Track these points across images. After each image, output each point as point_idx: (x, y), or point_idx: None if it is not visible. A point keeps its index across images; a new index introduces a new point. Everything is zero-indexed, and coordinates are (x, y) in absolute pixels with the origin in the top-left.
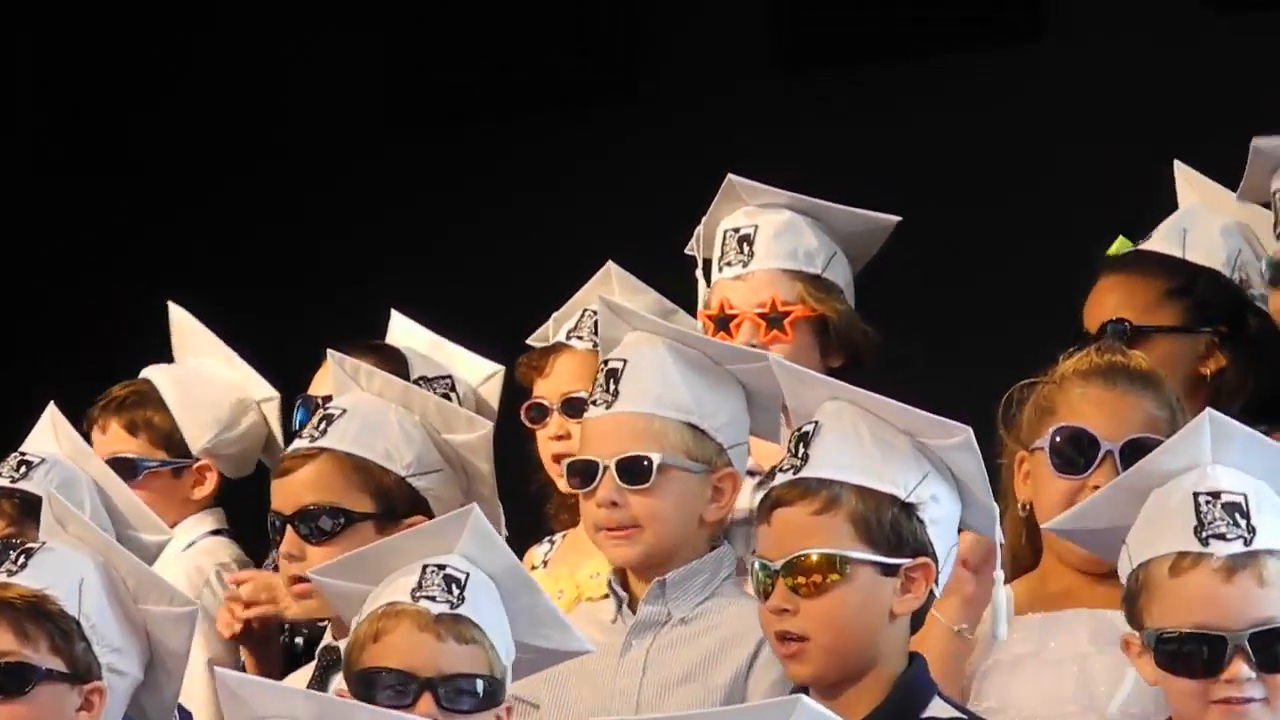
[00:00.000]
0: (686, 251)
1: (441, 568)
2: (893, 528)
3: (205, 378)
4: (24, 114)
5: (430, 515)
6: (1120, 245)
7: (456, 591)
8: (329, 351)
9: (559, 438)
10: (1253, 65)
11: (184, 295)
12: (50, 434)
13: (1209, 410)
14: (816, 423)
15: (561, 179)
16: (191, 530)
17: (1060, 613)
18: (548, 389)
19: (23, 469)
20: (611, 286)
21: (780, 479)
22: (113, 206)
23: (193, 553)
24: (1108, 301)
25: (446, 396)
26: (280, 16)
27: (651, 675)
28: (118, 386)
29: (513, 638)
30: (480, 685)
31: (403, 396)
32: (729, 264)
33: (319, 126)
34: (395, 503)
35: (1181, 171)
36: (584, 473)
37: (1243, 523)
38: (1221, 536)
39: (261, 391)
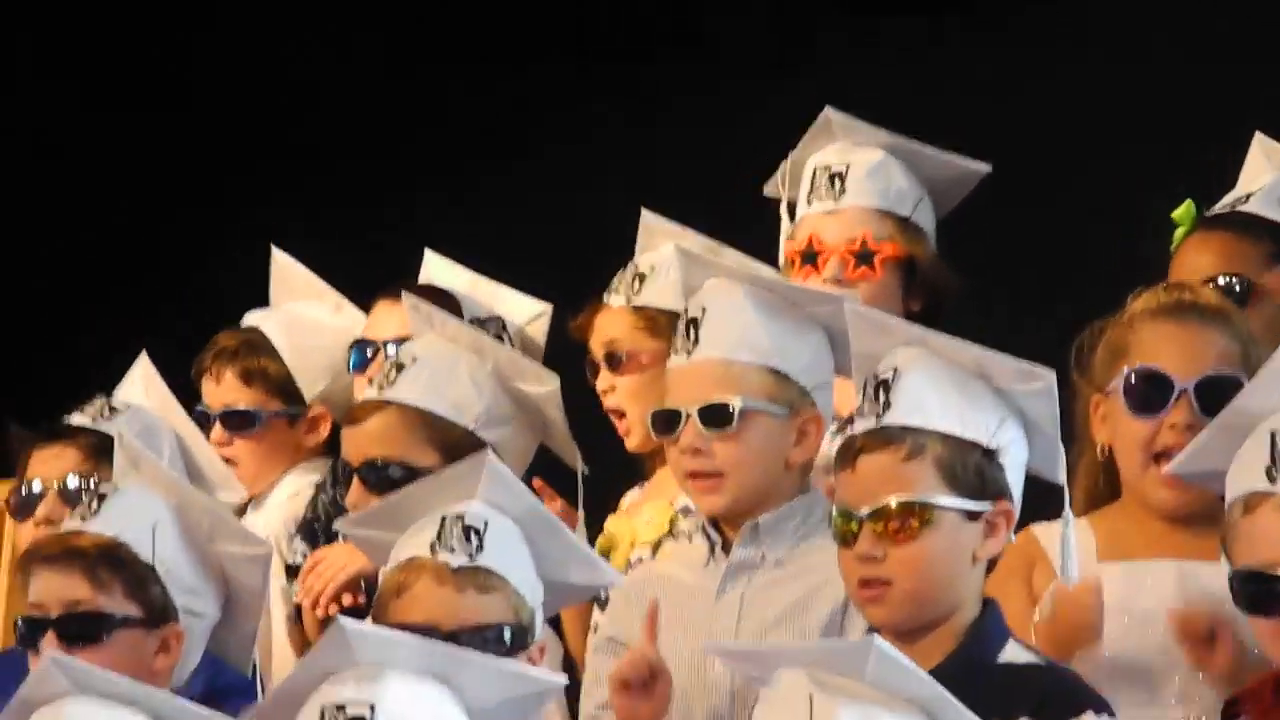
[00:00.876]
0: (766, 190)
1: (460, 518)
2: (976, 473)
3: (313, 324)
4: (105, 56)
5: None
6: (1187, 209)
7: (475, 542)
8: (403, 294)
9: (605, 392)
10: None
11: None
12: (140, 385)
13: None
14: (895, 369)
15: (631, 130)
16: (297, 480)
17: (1145, 563)
18: (594, 346)
19: (106, 412)
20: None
21: (862, 426)
22: (207, 150)
23: (295, 503)
24: (1208, 258)
25: (499, 338)
26: None
27: (748, 617)
28: (224, 334)
29: (541, 576)
30: (507, 633)
31: (475, 344)
32: (819, 199)
33: (348, 62)
34: (462, 456)
35: (1261, 143)
36: (668, 422)
37: None
38: None
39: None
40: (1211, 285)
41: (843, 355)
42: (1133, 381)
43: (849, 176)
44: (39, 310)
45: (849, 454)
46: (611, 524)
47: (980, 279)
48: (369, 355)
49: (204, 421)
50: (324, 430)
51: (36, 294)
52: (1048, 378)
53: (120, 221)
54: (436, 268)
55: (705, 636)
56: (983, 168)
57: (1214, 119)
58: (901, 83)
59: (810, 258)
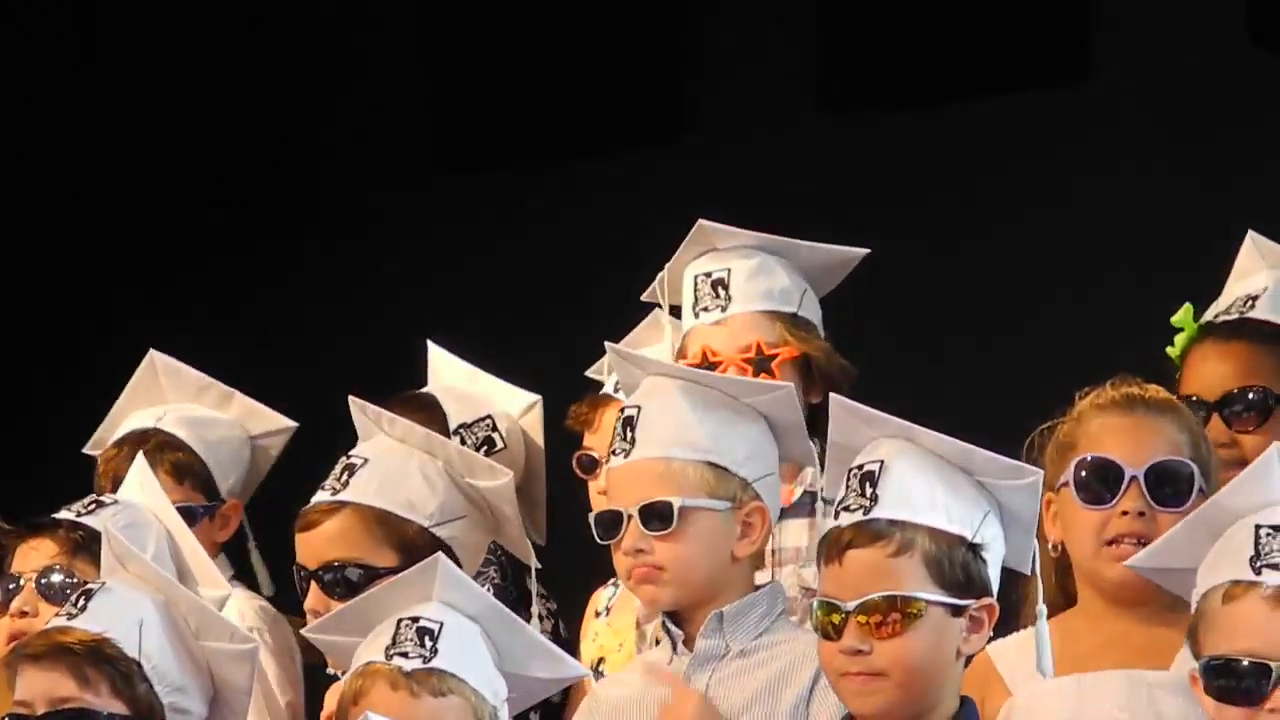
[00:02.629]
0: (644, 298)
1: (416, 620)
2: (963, 569)
3: (209, 419)
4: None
5: (456, 562)
6: (1186, 314)
7: (429, 644)
8: (350, 399)
9: (604, 492)
10: None
11: (215, 337)
12: (136, 481)
13: (1276, 444)
14: (881, 461)
15: (612, 221)
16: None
17: (1094, 675)
18: (596, 442)
19: (92, 506)
20: (662, 331)
21: (848, 519)
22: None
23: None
24: (1224, 368)
25: (489, 438)
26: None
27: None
28: (131, 434)
29: (507, 670)
30: None
31: (425, 443)
32: (705, 309)
33: (356, 162)
34: (419, 554)
35: (1255, 241)
36: (609, 524)
37: None
38: (1276, 566)
39: (263, 425)
40: (1235, 395)
41: (790, 442)
42: (1083, 472)
43: (731, 282)
44: None
45: (836, 547)
46: (602, 632)
47: (943, 377)
48: None
49: None
50: (234, 524)
51: None
52: (1036, 474)
53: None
54: (437, 358)
55: None
56: (859, 252)
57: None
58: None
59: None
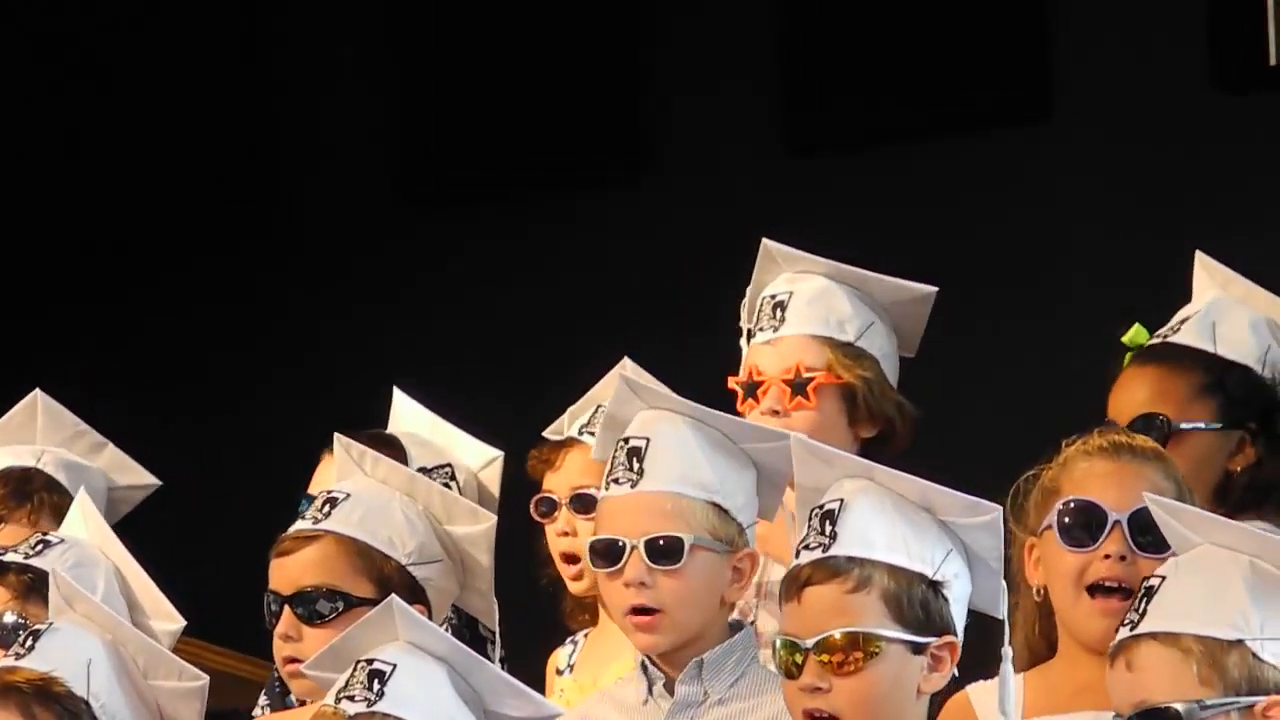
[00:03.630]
0: (741, 325)
1: (370, 662)
2: (922, 606)
3: (82, 465)
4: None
5: (428, 605)
6: (1136, 333)
7: (377, 688)
8: (336, 436)
9: (565, 534)
10: (1265, 148)
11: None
12: (79, 518)
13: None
14: (841, 500)
15: (572, 263)
16: None
17: (1068, 716)
18: (557, 483)
19: (39, 547)
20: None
21: (807, 557)
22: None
23: None
24: (1139, 394)
25: (446, 485)
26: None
27: None
28: (12, 469)
29: (489, 710)
30: None
31: (408, 485)
32: (762, 329)
33: (321, 205)
34: (394, 590)
35: (1203, 263)
36: (609, 553)
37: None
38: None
39: (129, 478)
40: (1138, 421)
41: (766, 494)
42: (1066, 516)
43: (790, 305)
44: None
45: (795, 584)
46: (568, 688)
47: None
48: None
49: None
50: None
51: None
52: (994, 511)
53: None
54: (401, 406)
55: None
56: (926, 289)
57: (1148, 240)
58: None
59: (751, 389)
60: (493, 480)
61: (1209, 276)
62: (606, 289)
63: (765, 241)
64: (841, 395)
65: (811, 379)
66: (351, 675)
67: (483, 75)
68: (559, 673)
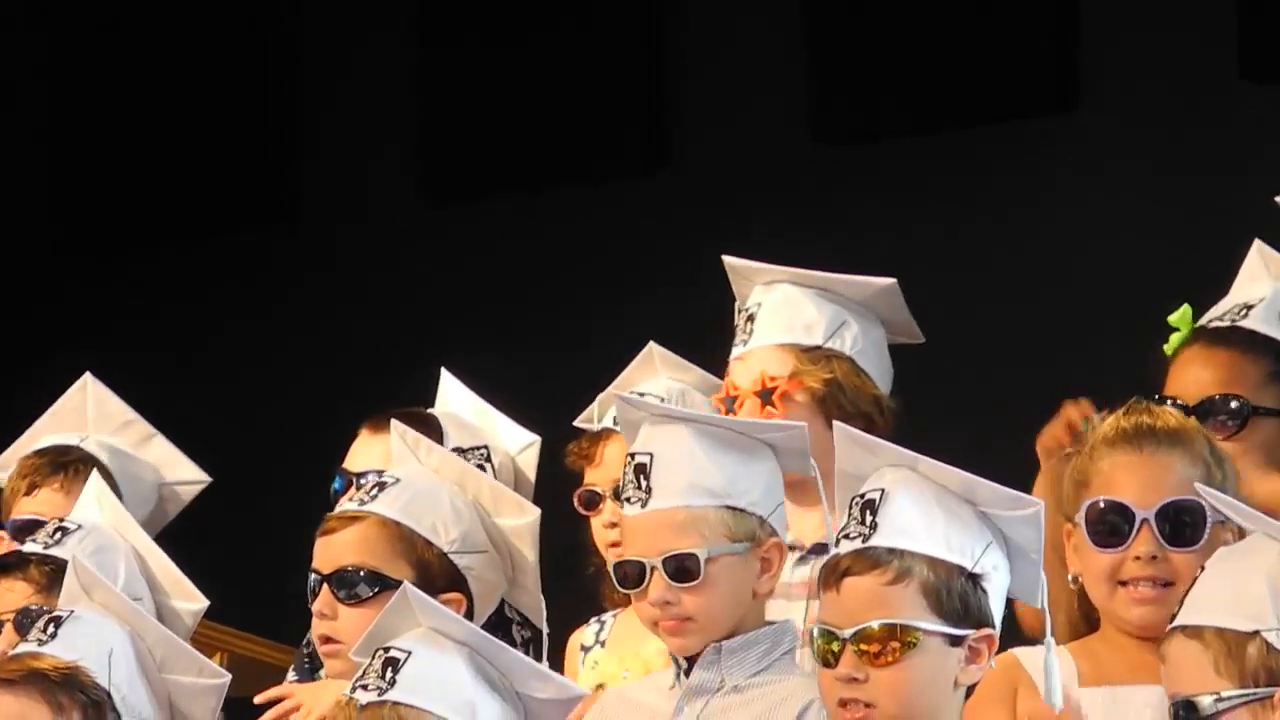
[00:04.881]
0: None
1: (387, 650)
2: (961, 599)
3: (129, 454)
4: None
5: (469, 594)
6: (1184, 315)
7: (390, 676)
8: (392, 422)
9: (612, 524)
10: None
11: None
12: (94, 502)
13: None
14: (882, 490)
15: (600, 256)
16: None
17: (1127, 688)
18: (599, 477)
19: (58, 535)
20: (655, 366)
21: (847, 547)
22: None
23: None
24: (1209, 374)
25: (481, 467)
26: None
27: None
28: (52, 447)
29: (521, 694)
30: None
31: (460, 475)
32: (736, 344)
33: (337, 196)
34: (434, 577)
35: (1261, 251)
36: (633, 575)
37: None
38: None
39: (177, 473)
40: (1215, 402)
41: (790, 460)
42: (1094, 515)
43: (758, 318)
44: None
45: (834, 574)
46: (603, 660)
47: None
48: (347, 484)
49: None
50: None
51: None
52: (1037, 506)
53: None
54: (448, 387)
55: None
56: (887, 282)
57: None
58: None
59: (730, 405)
60: (530, 465)
61: (1264, 265)
62: (635, 281)
63: (725, 258)
64: (812, 399)
65: (775, 388)
66: (370, 663)
67: (506, 66)
68: (584, 649)
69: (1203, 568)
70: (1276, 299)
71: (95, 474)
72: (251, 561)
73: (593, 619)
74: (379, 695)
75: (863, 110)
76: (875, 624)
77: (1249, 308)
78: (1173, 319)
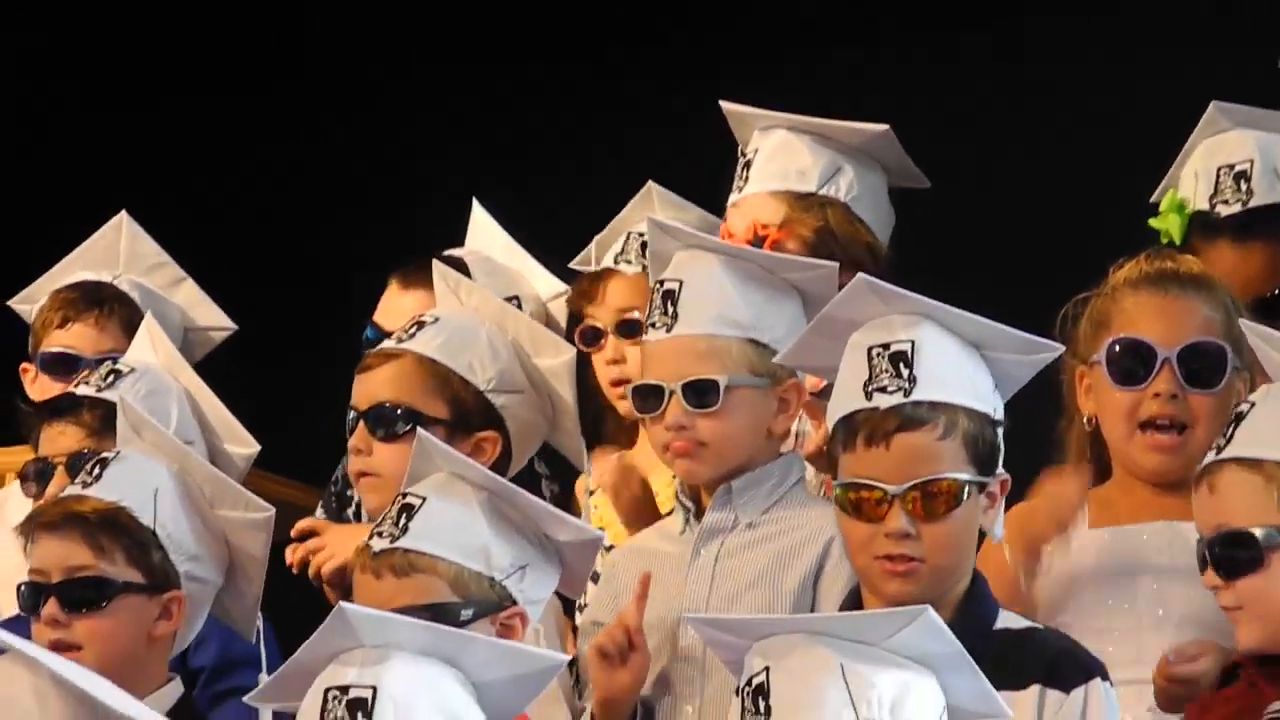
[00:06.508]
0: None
1: (405, 496)
2: (989, 446)
3: (160, 295)
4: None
5: (506, 433)
6: (1170, 200)
7: (403, 523)
8: (434, 264)
9: (614, 361)
10: None
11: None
12: (147, 344)
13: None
14: (912, 341)
15: (601, 103)
16: None
17: (1131, 526)
18: (601, 313)
19: (110, 378)
20: (653, 206)
21: (886, 401)
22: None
23: None
24: (1250, 270)
25: None
26: None
27: (720, 581)
28: (85, 281)
29: (549, 536)
30: (431, 614)
31: (499, 315)
32: (734, 190)
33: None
34: (470, 415)
35: (1223, 109)
36: (649, 396)
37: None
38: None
39: (204, 318)
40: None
41: (816, 304)
42: (1115, 352)
43: (754, 164)
44: None
45: (880, 431)
46: (601, 505)
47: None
48: (377, 339)
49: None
50: None
51: None
52: (1057, 350)
53: None
54: (479, 221)
55: (679, 603)
56: (880, 128)
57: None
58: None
59: None
60: (560, 312)
61: (1227, 118)
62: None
63: (722, 104)
64: (803, 245)
65: (766, 236)
66: (389, 511)
67: None
68: (590, 493)
69: (1242, 405)
70: (1265, 156)
71: (150, 316)
72: (282, 408)
73: (598, 462)
74: (391, 543)
75: None
76: (929, 479)
77: (1244, 178)
78: (1163, 208)
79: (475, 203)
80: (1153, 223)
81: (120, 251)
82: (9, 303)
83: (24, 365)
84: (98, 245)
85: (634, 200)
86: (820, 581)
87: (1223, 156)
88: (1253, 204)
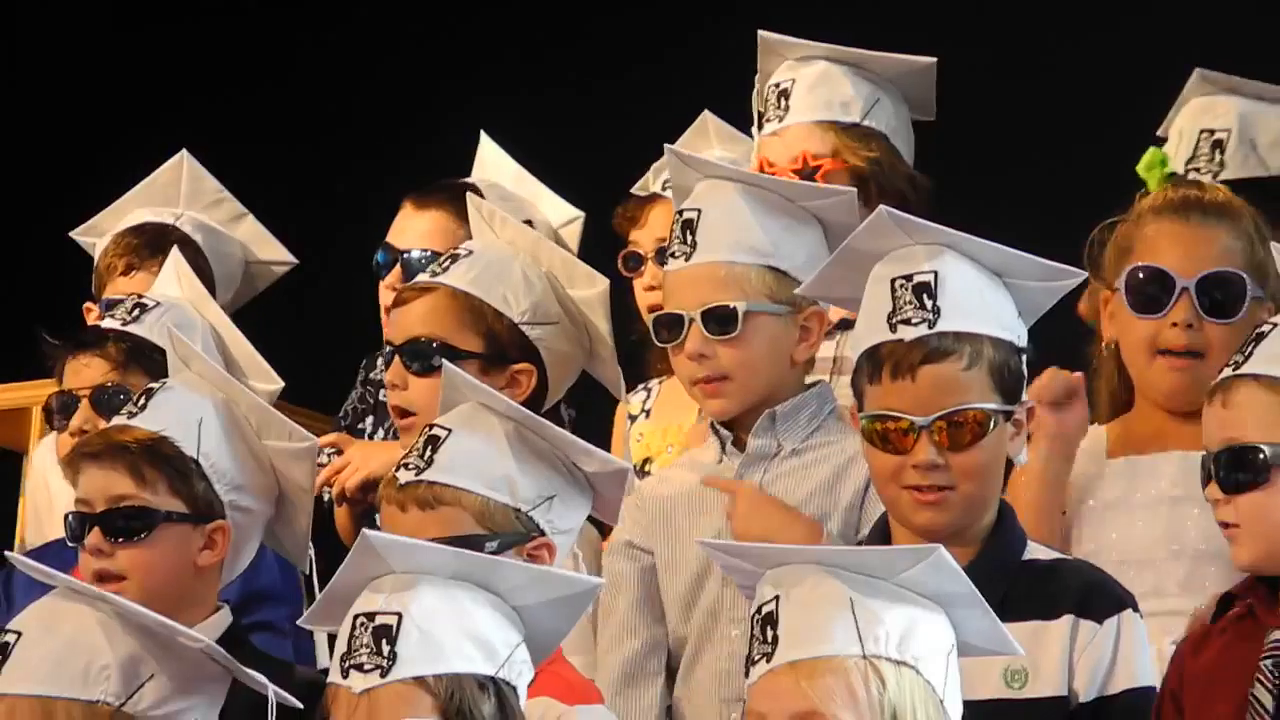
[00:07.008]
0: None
1: (431, 428)
2: (1015, 375)
3: (221, 231)
4: None
5: (541, 366)
6: (1153, 157)
7: (428, 455)
8: (468, 196)
9: (653, 288)
10: None
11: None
12: (173, 278)
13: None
14: (935, 272)
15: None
16: None
17: (1148, 456)
18: (642, 238)
19: (136, 311)
20: (709, 136)
21: (910, 333)
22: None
23: None
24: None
25: None
26: None
27: None
28: (149, 224)
29: (570, 464)
30: (487, 544)
31: (533, 247)
32: (769, 120)
33: None
34: (504, 348)
35: (1206, 76)
36: (670, 326)
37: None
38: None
39: (265, 253)
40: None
41: (837, 232)
42: (1135, 280)
43: (793, 93)
44: None
45: (905, 363)
46: (647, 433)
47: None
48: (392, 257)
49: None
50: None
51: None
52: (1080, 276)
53: None
54: (487, 153)
55: (725, 533)
56: (928, 61)
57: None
58: None
59: None
60: (572, 238)
61: (1210, 81)
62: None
63: (761, 33)
64: (851, 178)
65: (819, 166)
66: (416, 442)
67: None
68: (631, 418)
69: (1270, 323)
70: (1242, 126)
71: (175, 250)
72: (293, 336)
73: (639, 386)
74: (416, 475)
75: None
76: (956, 409)
77: (1219, 148)
78: (1142, 166)
79: (483, 135)
80: (1138, 169)
81: (181, 189)
82: (72, 234)
83: (88, 305)
84: (159, 182)
85: (690, 130)
86: (866, 507)
87: (1207, 119)
88: (1222, 177)
